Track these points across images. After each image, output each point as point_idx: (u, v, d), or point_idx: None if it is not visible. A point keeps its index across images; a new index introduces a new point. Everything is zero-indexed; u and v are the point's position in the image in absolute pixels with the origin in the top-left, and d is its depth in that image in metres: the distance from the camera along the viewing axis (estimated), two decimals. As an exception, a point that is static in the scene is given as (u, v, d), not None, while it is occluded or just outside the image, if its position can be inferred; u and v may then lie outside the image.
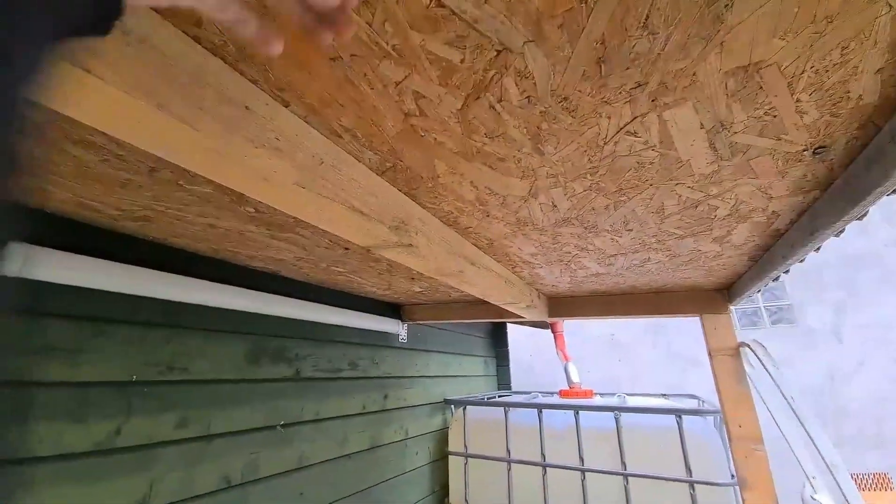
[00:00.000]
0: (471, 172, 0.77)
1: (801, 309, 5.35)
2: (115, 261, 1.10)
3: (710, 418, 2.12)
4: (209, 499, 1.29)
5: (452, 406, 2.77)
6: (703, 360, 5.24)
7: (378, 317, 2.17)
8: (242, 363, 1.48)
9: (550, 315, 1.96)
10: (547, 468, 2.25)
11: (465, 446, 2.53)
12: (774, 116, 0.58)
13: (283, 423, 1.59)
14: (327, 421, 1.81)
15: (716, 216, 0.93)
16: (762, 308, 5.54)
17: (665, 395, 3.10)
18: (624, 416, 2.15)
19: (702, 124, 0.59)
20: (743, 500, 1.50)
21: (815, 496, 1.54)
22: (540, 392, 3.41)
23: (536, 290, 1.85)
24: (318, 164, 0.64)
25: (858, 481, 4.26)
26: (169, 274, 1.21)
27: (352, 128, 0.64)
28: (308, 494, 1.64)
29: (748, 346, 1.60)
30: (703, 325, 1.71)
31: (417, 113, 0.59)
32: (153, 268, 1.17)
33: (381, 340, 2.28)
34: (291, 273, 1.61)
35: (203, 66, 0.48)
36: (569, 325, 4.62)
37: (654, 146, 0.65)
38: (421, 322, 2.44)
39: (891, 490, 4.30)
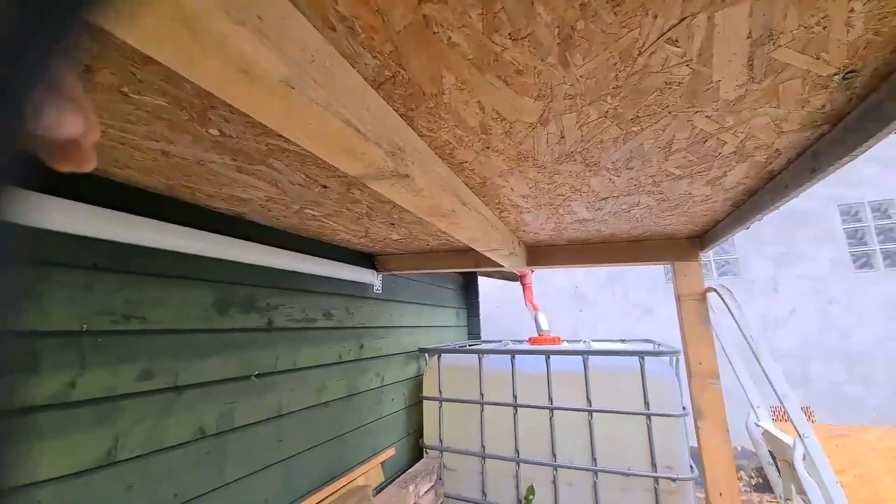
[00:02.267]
0: (481, 89, 0.68)
1: (745, 262, 5.84)
2: (52, 195, 0.93)
3: (667, 359, 2.30)
4: (183, 449, 1.23)
5: (427, 354, 2.81)
6: (655, 309, 5.65)
7: (352, 266, 2.09)
8: (210, 312, 1.37)
9: (529, 263, 1.96)
10: (518, 408, 2.37)
11: (440, 391, 2.60)
12: (824, 28, 0.53)
13: (257, 373, 1.52)
14: (304, 370, 1.76)
15: (720, 153, 0.91)
16: (711, 261, 5.99)
17: (623, 340, 3.33)
18: (591, 359, 2.28)
19: (750, 32, 0.53)
20: (698, 428, 1.66)
21: (759, 423, 1.72)
22: (511, 340, 3.54)
23: (518, 237, 1.82)
24: (308, 62, 0.52)
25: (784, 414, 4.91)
26: (116, 212, 1.05)
27: (350, 17, 0.52)
28: (287, 441, 1.62)
29: (716, 290, 1.69)
30: (674, 272, 1.78)
31: (435, -4, 0.49)
32: (97, 205, 1.01)
33: (356, 291, 2.21)
34: (258, 216, 1.47)
35: None
36: (535, 278, 4.77)
37: (691, 60, 0.59)
38: (396, 272, 2.38)
39: (814, 421, 5.03)
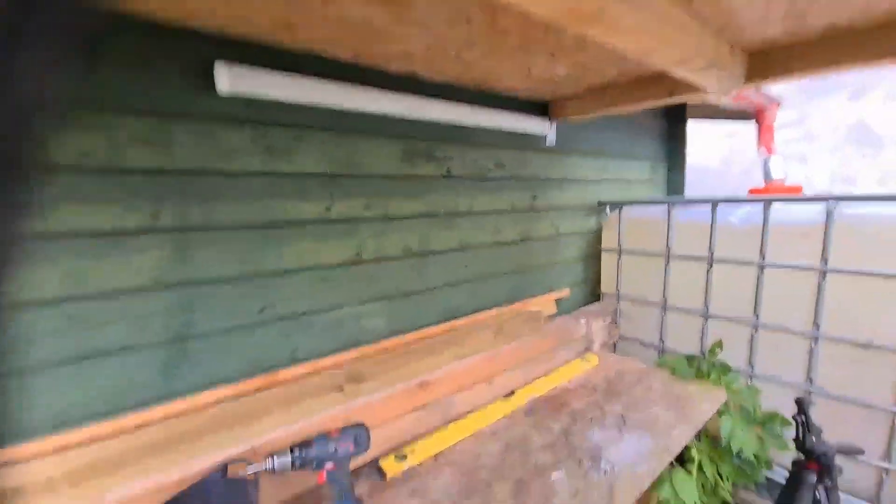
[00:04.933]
0: None
1: None
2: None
3: None
4: (399, 260, 1.73)
5: (608, 207, 2.69)
6: None
7: (522, 115, 2.07)
8: (399, 163, 1.70)
9: (749, 78, 1.47)
10: (713, 263, 2.10)
11: (619, 244, 2.53)
12: None
13: (442, 211, 1.86)
14: (480, 215, 2.03)
15: None
16: None
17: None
18: (842, 207, 1.70)
19: None
20: None
21: None
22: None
23: (728, 38, 1.36)
24: None
25: None
26: (336, 82, 1.37)
27: None
28: (471, 268, 2.01)
29: None
30: None
31: None
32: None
33: (528, 143, 2.22)
34: (425, 70, 1.61)
35: None
36: (786, 118, 3.48)
37: None
38: (573, 118, 2.22)
39: None
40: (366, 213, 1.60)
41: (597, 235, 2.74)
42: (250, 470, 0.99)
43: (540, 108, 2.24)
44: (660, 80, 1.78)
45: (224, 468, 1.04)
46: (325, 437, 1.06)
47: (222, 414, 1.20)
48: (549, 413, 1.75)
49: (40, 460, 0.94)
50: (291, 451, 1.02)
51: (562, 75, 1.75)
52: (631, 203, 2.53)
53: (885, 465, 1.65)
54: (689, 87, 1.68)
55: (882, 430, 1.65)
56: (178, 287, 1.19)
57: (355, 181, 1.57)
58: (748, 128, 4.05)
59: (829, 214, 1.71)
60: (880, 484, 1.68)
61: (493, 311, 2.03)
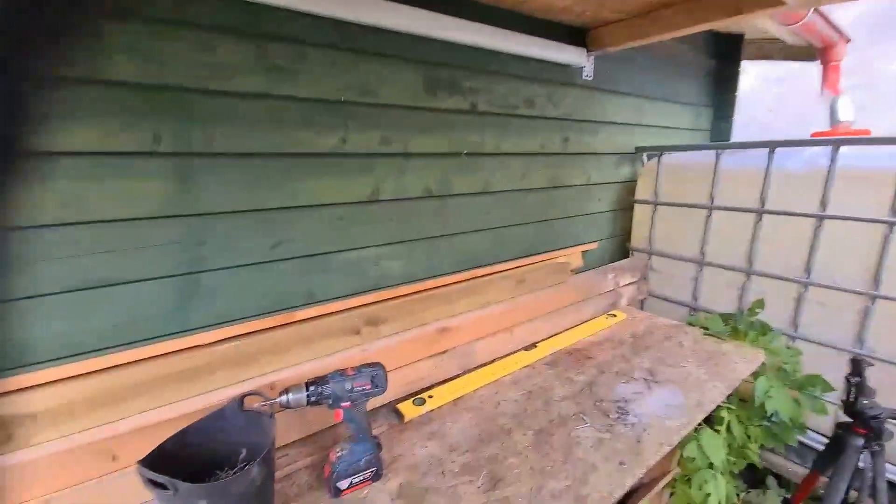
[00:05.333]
0: None
1: None
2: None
3: None
4: (418, 201, 1.61)
5: (645, 155, 2.47)
6: None
7: (557, 43, 1.85)
8: (421, 93, 1.54)
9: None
10: (763, 214, 1.91)
11: (656, 194, 2.34)
12: None
13: (466, 151, 1.71)
14: (507, 156, 1.87)
15: None
16: None
17: None
18: (928, 150, 1.47)
19: None
20: None
21: None
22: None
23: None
24: None
25: None
26: None
27: None
28: (494, 214, 1.88)
29: None
30: None
31: None
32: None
33: (562, 77, 2.00)
34: (452, -18, 1.41)
35: None
36: (852, 62, 3.05)
37: None
38: (614, 49, 1.97)
39: None
40: (383, 148, 1.47)
41: (629, 186, 2.54)
42: (267, 403, 0.95)
43: (578, 36, 1.99)
44: (723, -3, 1.52)
45: (241, 400, 1.01)
46: (341, 374, 1.02)
47: (237, 350, 1.17)
48: (573, 365, 1.68)
49: (54, 386, 0.92)
50: (307, 387, 0.98)
51: (609, -11, 1.51)
52: (673, 149, 2.30)
53: (938, 432, 1.53)
54: (760, 1, 1.43)
55: (940, 397, 1.51)
56: (186, 218, 1.12)
57: (372, 111, 1.43)
58: (800, 73, 3.60)
59: (911, 157, 1.49)
60: None
61: (516, 262, 1.92)
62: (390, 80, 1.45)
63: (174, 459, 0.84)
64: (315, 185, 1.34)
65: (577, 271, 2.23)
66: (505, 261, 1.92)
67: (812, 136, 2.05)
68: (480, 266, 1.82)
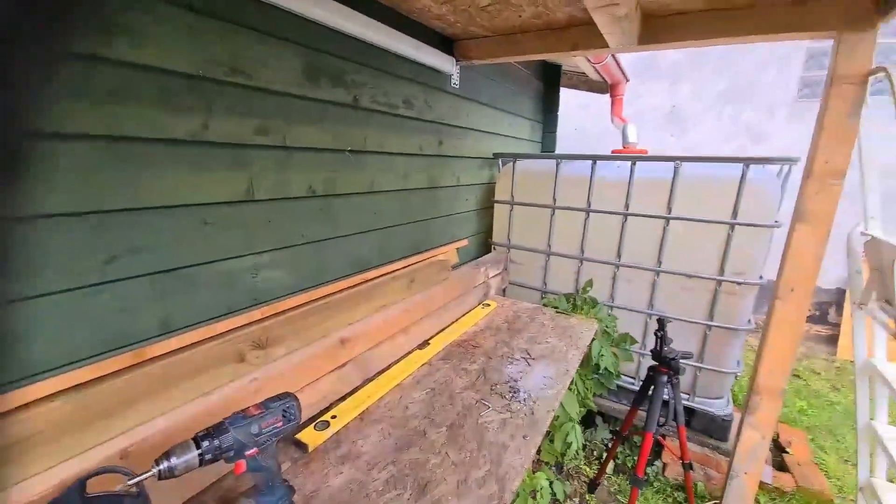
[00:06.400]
0: None
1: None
2: None
3: (777, 168, 2.06)
4: (301, 202, 1.44)
5: (500, 161, 2.80)
6: (771, 135, 4.83)
7: (431, 48, 1.91)
8: (303, 80, 1.37)
9: (641, 42, 1.63)
10: (590, 213, 2.41)
11: (512, 196, 2.68)
12: None
13: (350, 148, 1.61)
14: (390, 155, 1.84)
15: None
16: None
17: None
18: (684, 168, 2.11)
19: None
20: (792, 232, 1.57)
21: (867, 231, 1.59)
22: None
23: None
24: None
25: None
26: None
27: None
28: (380, 214, 1.83)
29: (887, 71, 1.33)
30: (836, 48, 1.39)
31: None
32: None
33: (434, 81, 2.08)
34: (335, -37, 1.29)
35: None
36: (628, 91, 4.13)
37: None
38: (477, 61, 2.15)
39: None
40: (260, 139, 1.25)
41: (490, 188, 2.84)
42: (132, 482, 0.70)
43: (447, 45, 2.10)
44: (566, 32, 1.84)
45: (80, 485, 0.72)
46: (243, 416, 0.83)
47: (66, 411, 0.82)
48: (465, 355, 1.78)
49: None
50: (197, 442, 0.76)
51: (482, 6, 1.64)
52: (525, 157, 2.67)
53: (699, 364, 2.23)
54: (591, 42, 1.78)
55: (697, 339, 2.22)
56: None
57: (244, 94, 1.19)
58: (598, 101, 4.69)
59: (675, 171, 2.11)
60: (695, 379, 2.28)
61: (404, 261, 1.92)
62: (267, 61, 1.24)
63: None
64: (169, 179, 1.04)
65: (455, 267, 2.37)
66: (394, 261, 1.90)
67: (612, 152, 2.69)
68: (371, 268, 1.75)
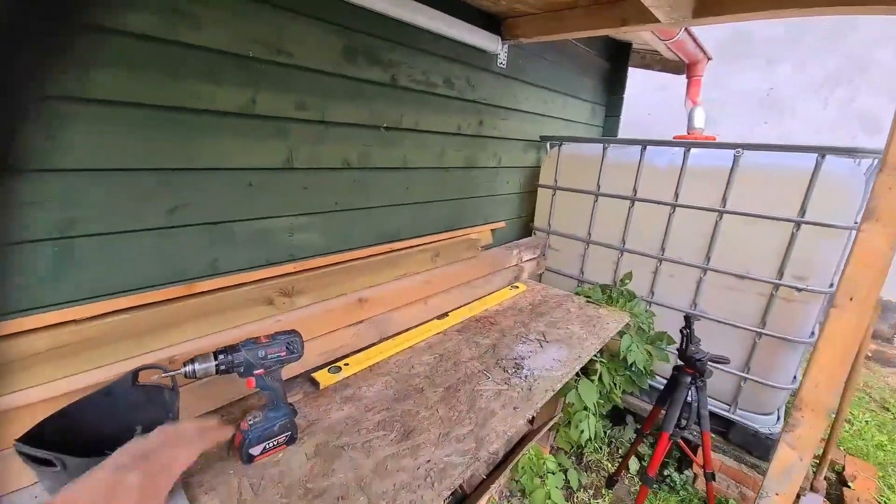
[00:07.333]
0: None
1: None
2: None
3: (860, 160, 1.76)
4: (336, 173, 1.59)
5: (548, 144, 2.73)
6: (886, 127, 4.03)
7: (475, 27, 1.92)
8: (341, 59, 1.50)
9: (696, 15, 1.49)
10: (635, 202, 2.28)
11: (556, 180, 2.62)
12: None
13: (385, 125, 1.72)
14: (426, 133, 1.92)
15: None
16: None
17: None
18: (746, 156, 1.90)
19: None
20: (858, 233, 1.37)
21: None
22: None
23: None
24: None
25: None
26: None
27: None
28: (412, 190, 1.94)
29: None
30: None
31: None
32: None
33: (479, 61, 2.10)
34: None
35: None
36: (709, 78, 3.70)
37: None
38: (524, 40, 2.12)
39: None
40: (299, 113, 1.41)
41: (535, 171, 2.80)
42: (166, 374, 0.91)
43: (494, 24, 2.10)
44: (615, 6, 1.75)
45: (134, 375, 0.94)
46: (253, 342, 1.00)
47: (127, 324, 1.06)
48: (480, 330, 1.85)
49: None
50: (215, 356, 0.94)
51: (523, -17, 1.62)
52: (570, 140, 2.59)
53: (743, 374, 2.05)
54: (641, 17, 1.67)
55: (744, 347, 2.03)
56: (54, 172, 0.97)
57: (286, 72, 1.35)
58: (675, 84, 4.27)
59: (734, 160, 1.91)
60: (738, 389, 2.10)
61: (434, 237, 2.02)
62: (307, 41, 1.38)
63: (53, 441, 0.76)
64: (221, 147, 1.24)
65: (487, 247, 2.42)
66: (423, 235, 2.01)
67: (674, 138, 2.48)
68: (399, 240, 1.88)
